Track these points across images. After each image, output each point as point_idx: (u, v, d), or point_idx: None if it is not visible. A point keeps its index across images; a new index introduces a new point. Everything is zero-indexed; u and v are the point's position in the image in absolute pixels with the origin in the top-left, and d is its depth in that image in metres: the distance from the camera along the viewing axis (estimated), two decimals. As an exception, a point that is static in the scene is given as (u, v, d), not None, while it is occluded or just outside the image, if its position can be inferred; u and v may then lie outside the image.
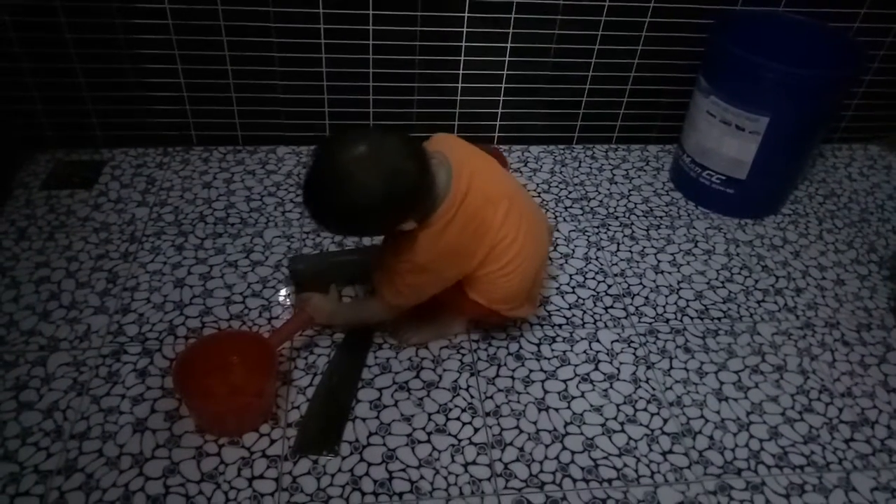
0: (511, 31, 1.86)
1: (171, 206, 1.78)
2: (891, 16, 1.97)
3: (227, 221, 1.74)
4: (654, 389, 1.42)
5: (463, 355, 1.45)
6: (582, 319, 1.56)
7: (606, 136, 2.14)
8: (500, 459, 1.27)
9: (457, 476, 1.24)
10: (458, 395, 1.38)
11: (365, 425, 1.30)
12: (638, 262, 1.73)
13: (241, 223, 1.74)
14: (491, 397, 1.38)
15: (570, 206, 1.90)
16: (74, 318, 1.46)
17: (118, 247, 1.64)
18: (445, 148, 1.25)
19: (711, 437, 1.34)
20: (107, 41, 1.76)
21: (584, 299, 1.61)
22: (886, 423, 1.40)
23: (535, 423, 1.34)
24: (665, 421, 1.36)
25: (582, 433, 1.33)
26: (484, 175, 1.27)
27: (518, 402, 1.37)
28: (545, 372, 1.44)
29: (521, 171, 2.01)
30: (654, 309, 1.61)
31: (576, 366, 1.46)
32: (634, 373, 1.45)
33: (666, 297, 1.64)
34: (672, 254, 1.77)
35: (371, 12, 1.78)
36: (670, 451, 1.31)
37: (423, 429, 1.31)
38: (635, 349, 1.50)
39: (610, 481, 1.25)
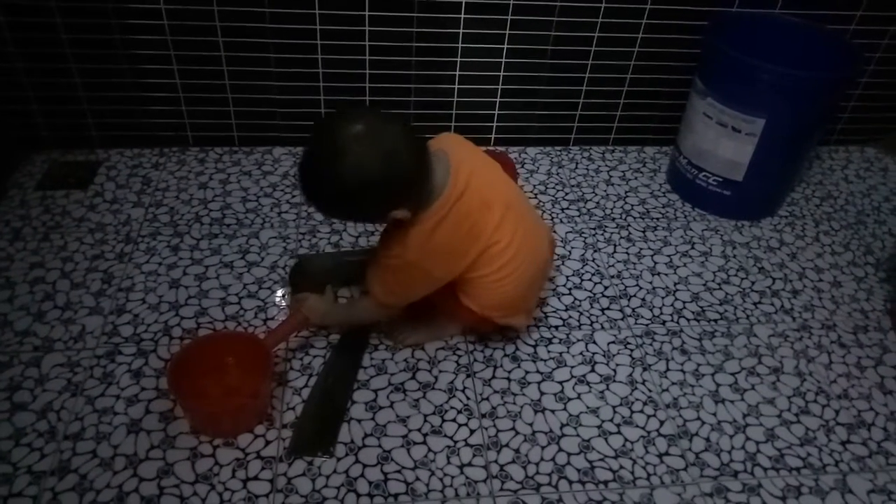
0: (507, 32, 1.86)
1: (167, 206, 1.77)
2: (887, 18, 1.98)
3: (222, 222, 1.74)
4: (650, 391, 1.42)
5: (459, 357, 1.45)
6: (578, 321, 1.56)
7: (603, 137, 2.14)
8: (495, 461, 1.26)
9: (452, 478, 1.23)
10: (454, 396, 1.37)
11: (360, 426, 1.30)
12: (634, 263, 1.73)
13: (237, 224, 1.74)
14: (487, 399, 1.37)
15: (567, 208, 1.90)
16: (69, 319, 1.45)
17: (113, 247, 1.64)
18: (447, 146, 1.25)
19: (708, 439, 1.34)
20: (102, 41, 1.76)
21: (580, 301, 1.61)
22: (883, 426, 1.39)
23: (531, 424, 1.33)
24: (661, 423, 1.36)
25: (578, 435, 1.32)
26: (482, 177, 1.26)
27: (514, 403, 1.37)
28: (541, 373, 1.43)
29: (517, 173, 2.01)
30: (651, 311, 1.60)
31: (572, 367, 1.45)
32: (631, 374, 1.45)
33: (662, 298, 1.64)
34: (669, 255, 1.77)
35: (367, 13, 1.78)
36: (667, 453, 1.31)
37: (419, 430, 1.30)
38: (632, 351, 1.50)
39: (606, 483, 1.25)
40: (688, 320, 1.59)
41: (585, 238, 1.80)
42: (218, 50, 1.80)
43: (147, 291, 1.53)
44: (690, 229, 1.86)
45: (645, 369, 1.46)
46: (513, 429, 1.32)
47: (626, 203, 1.94)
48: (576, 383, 1.42)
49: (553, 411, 1.36)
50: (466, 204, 1.20)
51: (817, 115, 1.78)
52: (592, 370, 1.45)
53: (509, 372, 1.43)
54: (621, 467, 1.27)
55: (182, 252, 1.64)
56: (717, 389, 1.44)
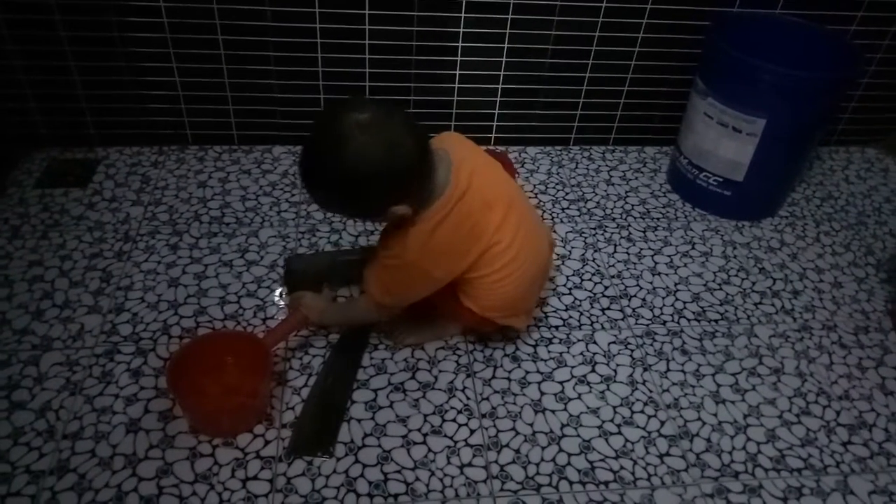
0: (508, 31, 1.86)
1: (166, 205, 1.77)
2: (888, 18, 1.97)
3: (222, 221, 1.73)
4: (651, 391, 1.42)
5: (459, 356, 1.45)
6: (579, 321, 1.56)
7: (603, 137, 2.13)
8: (496, 461, 1.26)
9: (452, 478, 1.23)
10: (454, 396, 1.37)
11: (360, 426, 1.30)
12: (635, 263, 1.73)
13: (237, 223, 1.73)
14: (487, 399, 1.37)
15: (567, 208, 1.89)
16: (68, 318, 1.45)
17: (112, 246, 1.63)
18: (449, 145, 1.24)
19: (709, 440, 1.33)
20: (102, 39, 1.75)
21: (580, 301, 1.61)
22: (884, 426, 1.39)
23: (531, 424, 1.33)
24: (662, 423, 1.36)
25: (579, 435, 1.32)
26: (484, 176, 1.25)
27: (514, 403, 1.37)
28: (542, 374, 1.43)
29: (517, 172, 2.01)
30: (652, 311, 1.60)
31: (572, 367, 1.45)
32: (631, 375, 1.45)
33: (663, 298, 1.64)
34: (669, 256, 1.76)
35: (367, 12, 1.77)
36: (667, 454, 1.30)
37: (419, 430, 1.30)
38: (632, 351, 1.50)
39: (607, 484, 1.24)
40: (688, 321, 1.59)
41: (586, 238, 1.79)
42: (217, 48, 1.80)
43: (146, 290, 1.53)
44: (691, 229, 1.86)
45: (645, 369, 1.46)
46: (513, 429, 1.32)
47: (626, 203, 1.93)
48: (576, 383, 1.42)
49: (553, 411, 1.36)
50: (468, 204, 1.19)
51: (818, 115, 1.78)
52: (593, 370, 1.45)
53: (509, 372, 1.43)
54: (622, 468, 1.27)
55: (181, 251, 1.63)
56: (718, 390, 1.43)
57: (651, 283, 1.68)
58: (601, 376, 1.44)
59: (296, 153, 1.99)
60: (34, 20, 1.70)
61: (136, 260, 1.60)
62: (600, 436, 1.32)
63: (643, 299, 1.63)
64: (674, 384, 1.44)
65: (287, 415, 1.30)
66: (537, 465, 1.26)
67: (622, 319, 1.57)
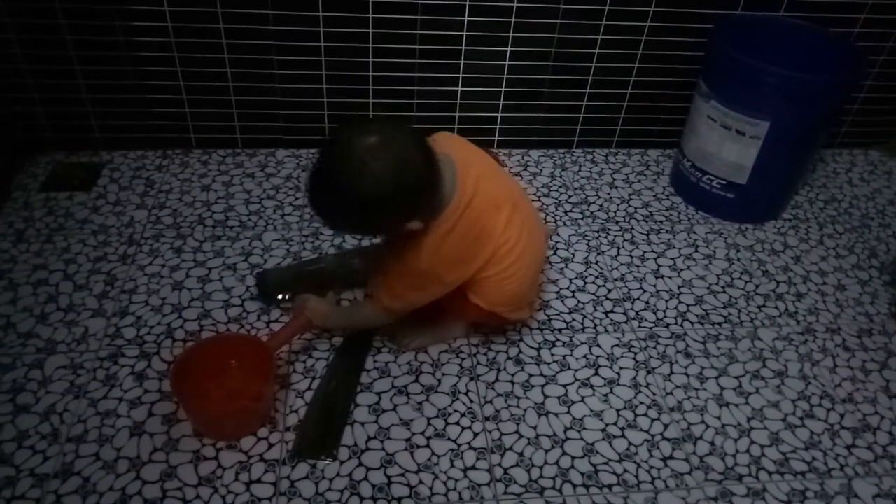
0: (511, 34, 1.86)
1: (170, 208, 1.77)
2: (891, 21, 1.97)
3: (225, 224, 1.74)
4: (654, 394, 1.41)
5: (462, 360, 1.45)
6: (582, 324, 1.55)
7: (606, 140, 2.14)
8: (499, 464, 1.26)
9: (456, 481, 1.23)
10: (458, 399, 1.37)
11: (364, 430, 1.30)
12: (638, 266, 1.73)
13: (240, 226, 1.74)
14: (490, 402, 1.37)
15: (571, 211, 1.89)
16: (72, 321, 1.45)
17: (116, 249, 1.64)
18: (449, 148, 1.24)
19: (712, 443, 1.33)
20: (106, 43, 1.76)
21: (584, 304, 1.61)
22: (888, 430, 1.39)
23: (534, 427, 1.33)
24: (665, 426, 1.36)
25: (582, 438, 1.32)
26: (489, 178, 1.26)
27: (518, 406, 1.37)
28: (545, 377, 1.43)
29: (521, 175, 2.01)
30: (655, 314, 1.60)
31: (576, 370, 1.45)
32: (635, 378, 1.45)
33: (666, 301, 1.64)
34: (672, 258, 1.76)
35: (371, 15, 1.78)
36: (671, 457, 1.30)
37: (423, 433, 1.30)
38: (635, 354, 1.50)
39: (610, 487, 1.24)
40: (692, 323, 1.58)
41: (589, 241, 1.79)
42: (221, 52, 1.80)
43: (150, 293, 1.53)
44: (694, 232, 1.86)
45: (649, 372, 1.46)
46: (516, 432, 1.32)
47: (629, 206, 1.93)
48: (579, 386, 1.42)
49: (557, 415, 1.36)
50: (476, 208, 1.20)
51: (821, 117, 1.78)
52: (596, 373, 1.45)
53: (513, 375, 1.43)
54: (625, 471, 1.27)
55: (185, 254, 1.64)
56: (722, 393, 1.43)
57: (654, 286, 1.68)
58: (604, 379, 1.44)
59: (299, 156, 1.99)
60: (40, 25, 1.71)
61: (141, 263, 1.60)
62: (604, 439, 1.32)
63: (646, 302, 1.63)
64: (677, 387, 1.44)
65: (291, 418, 1.30)
66: (541, 468, 1.26)
67: (625, 322, 1.57)
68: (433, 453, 1.27)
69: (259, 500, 1.17)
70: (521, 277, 1.30)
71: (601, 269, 1.71)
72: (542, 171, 2.04)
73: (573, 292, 1.63)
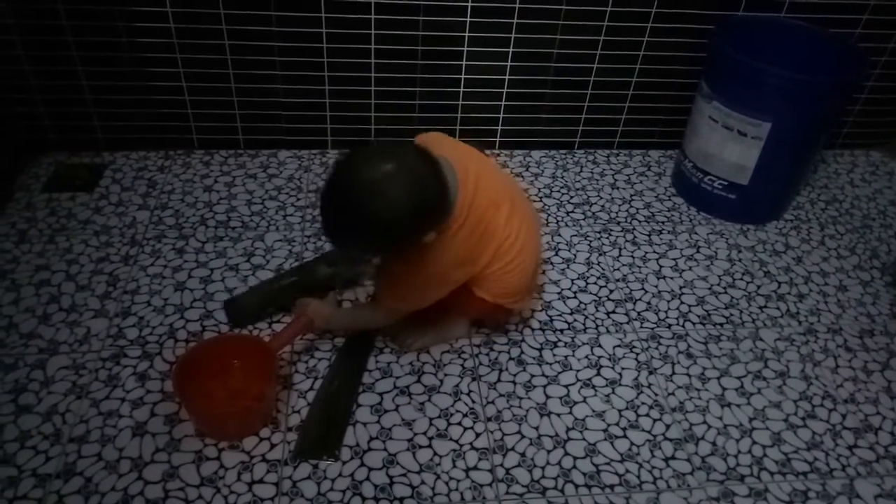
0: (513, 35, 1.86)
1: (172, 209, 1.78)
2: (892, 22, 1.97)
3: (228, 225, 1.74)
4: (656, 395, 1.41)
5: (464, 360, 1.45)
6: (584, 324, 1.56)
7: (608, 140, 2.14)
8: (501, 465, 1.26)
9: (458, 481, 1.23)
10: (460, 399, 1.37)
11: (366, 430, 1.30)
12: (640, 267, 1.73)
13: (243, 227, 1.74)
14: (492, 402, 1.37)
15: (572, 211, 1.89)
16: (74, 321, 1.45)
17: (119, 250, 1.64)
18: (442, 150, 1.24)
19: (714, 443, 1.33)
20: (109, 44, 1.76)
21: (585, 304, 1.61)
22: (890, 430, 1.39)
23: (536, 428, 1.33)
24: (667, 427, 1.36)
25: (584, 438, 1.32)
26: (488, 177, 1.27)
27: (520, 407, 1.37)
28: (547, 377, 1.43)
29: (522, 176, 2.01)
30: (657, 314, 1.60)
31: (577, 371, 1.45)
32: (636, 378, 1.45)
33: (668, 302, 1.64)
34: (674, 259, 1.76)
35: (373, 16, 1.78)
36: (673, 457, 1.30)
37: (425, 433, 1.30)
38: (637, 354, 1.50)
39: (612, 487, 1.24)
40: (693, 324, 1.58)
41: (590, 241, 1.79)
42: (224, 53, 1.81)
43: (152, 294, 1.53)
44: (695, 233, 1.86)
45: (651, 373, 1.46)
46: (518, 432, 1.32)
47: (631, 207, 1.93)
48: (581, 387, 1.42)
49: (559, 415, 1.36)
50: (479, 208, 1.21)
51: (823, 118, 1.78)
52: (598, 374, 1.45)
53: (514, 375, 1.43)
54: (627, 471, 1.27)
55: (187, 255, 1.64)
56: (723, 393, 1.43)
57: (656, 286, 1.68)
58: (606, 380, 1.44)
59: (302, 157, 2.00)
60: (43, 26, 1.71)
61: (143, 264, 1.61)
62: (606, 439, 1.32)
63: (648, 303, 1.63)
64: (679, 387, 1.44)
65: (293, 418, 1.30)
66: (543, 468, 1.26)
67: (627, 323, 1.57)
68: (435, 453, 1.27)
69: (261, 501, 1.17)
70: (522, 269, 1.32)
71: (603, 269, 1.71)
72: (543, 171, 2.04)
73: (575, 293, 1.64)
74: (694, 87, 1.90)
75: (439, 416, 1.33)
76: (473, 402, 1.37)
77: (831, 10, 1.92)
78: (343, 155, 1.14)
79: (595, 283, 1.67)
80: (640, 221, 1.88)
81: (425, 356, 1.45)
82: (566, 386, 1.42)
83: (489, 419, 1.34)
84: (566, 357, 1.48)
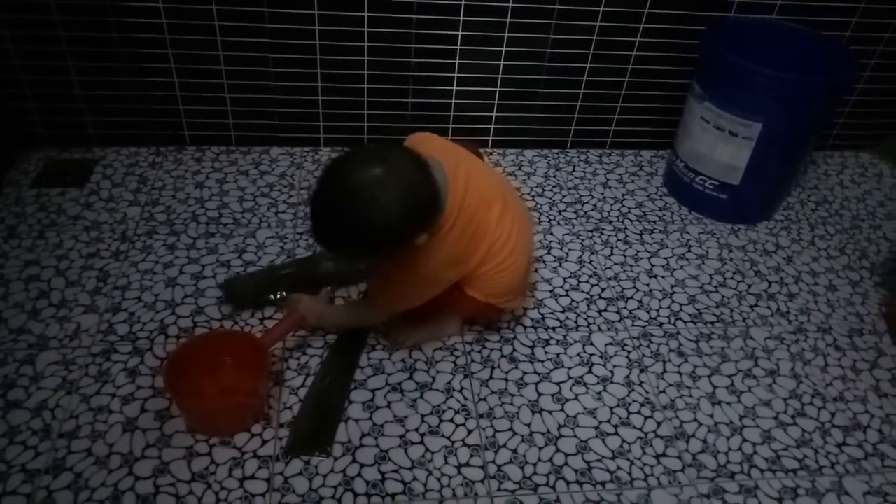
0: (506, 34, 1.87)
1: (163, 205, 1.77)
2: (882, 24, 1.99)
3: (219, 221, 1.73)
4: (647, 393, 1.42)
5: (456, 357, 1.45)
6: (576, 322, 1.56)
7: (600, 140, 2.14)
8: (493, 461, 1.26)
9: (450, 477, 1.23)
10: (452, 396, 1.37)
11: (357, 426, 1.30)
12: (632, 266, 1.74)
13: (234, 223, 1.73)
14: (484, 399, 1.37)
15: (564, 210, 1.90)
16: (64, 317, 1.44)
17: (109, 245, 1.63)
18: (434, 150, 1.24)
19: (705, 441, 1.34)
20: (100, 39, 1.75)
21: (577, 302, 1.61)
22: (878, 428, 1.40)
23: (528, 425, 1.33)
24: (658, 424, 1.36)
25: (575, 436, 1.32)
26: (478, 177, 1.27)
27: (511, 404, 1.37)
28: (539, 374, 1.43)
29: (515, 175, 2.01)
30: (648, 313, 1.61)
31: (569, 368, 1.45)
32: (628, 376, 1.45)
33: (659, 301, 1.64)
34: (665, 258, 1.77)
35: (366, 14, 1.78)
36: (664, 455, 1.31)
37: (417, 430, 1.30)
38: (629, 352, 1.50)
39: (603, 484, 1.25)
40: (685, 323, 1.59)
41: (583, 240, 1.80)
42: (216, 49, 1.80)
43: (143, 290, 1.52)
44: (687, 232, 1.87)
45: (642, 371, 1.46)
46: (510, 429, 1.32)
47: (623, 206, 1.94)
48: (573, 384, 1.42)
49: (550, 412, 1.36)
50: (469, 208, 1.20)
51: (813, 119, 1.79)
52: (590, 371, 1.45)
53: (507, 373, 1.43)
54: (619, 468, 1.27)
55: (178, 251, 1.63)
56: (714, 391, 1.44)
57: (647, 285, 1.68)
58: (598, 377, 1.44)
59: (294, 154, 1.99)
60: (33, 20, 1.70)
61: (134, 260, 1.60)
62: (597, 436, 1.33)
63: (640, 301, 1.63)
64: (670, 385, 1.44)
65: (285, 414, 1.30)
66: (534, 465, 1.26)
67: (619, 321, 1.58)
68: (427, 450, 1.27)
69: (252, 497, 1.17)
70: (514, 269, 1.32)
71: (595, 268, 1.72)
72: (536, 170, 2.04)
73: (567, 291, 1.64)
74: (686, 87, 1.90)
75: (431, 413, 1.33)
76: (465, 399, 1.37)
77: (822, 12, 1.93)
78: (332, 160, 1.14)
79: (587, 282, 1.67)
80: (631, 221, 1.89)
81: (417, 353, 1.45)
82: (558, 383, 1.42)
83: (481, 416, 1.34)
84: (558, 355, 1.48)
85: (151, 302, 1.50)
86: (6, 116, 1.85)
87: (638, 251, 1.78)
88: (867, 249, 1.88)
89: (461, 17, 1.82)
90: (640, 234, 1.84)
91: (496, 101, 2.00)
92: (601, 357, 1.49)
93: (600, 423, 1.35)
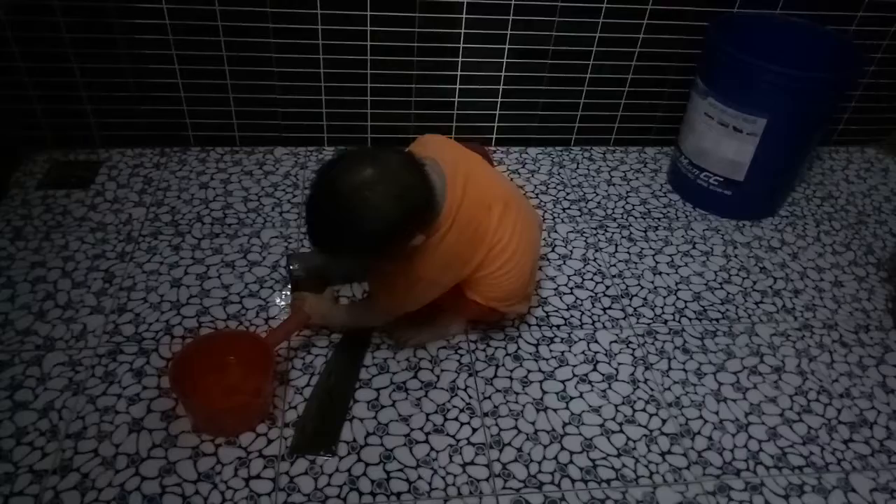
0: (509, 32, 1.86)
1: (168, 206, 1.77)
2: (887, 18, 1.98)
3: (224, 222, 1.74)
4: (652, 390, 1.42)
5: (461, 356, 1.45)
6: (580, 320, 1.56)
7: (604, 137, 2.14)
8: (498, 460, 1.26)
9: (455, 476, 1.23)
10: (457, 395, 1.37)
11: (363, 425, 1.30)
12: (636, 263, 1.73)
13: (239, 223, 1.74)
14: (489, 398, 1.37)
15: (569, 208, 1.90)
16: (70, 318, 1.45)
17: (115, 247, 1.64)
18: (435, 151, 1.24)
19: (710, 438, 1.34)
20: (104, 41, 1.76)
21: (582, 300, 1.61)
22: (885, 424, 1.39)
23: (533, 423, 1.33)
24: (664, 421, 1.36)
25: (580, 434, 1.32)
26: (478, 178, 1.26)
27: (516, 402, 1.37)
28: (543, 372, 1.43)
29: (518, 173, 2.01)
30: (653, 310, 1.60)
31: (574, 366, 1.45)
32: (633, 373, 1.45)
33: (664, 298, 1.64)
34: (670, 255, 1.77)
35: (369, 13, 1.78)
36: (669, 452, 1.30)
37: (421, 429, 1.30)
38: (633, 350, 1.50)
39: (609, 482, 1.25)
40: (689, 319, 1.59)
41: (587, 238, 1.80)
42: (220, 50, 1.80)
43: (148, 290, 1.53)
44: (691, 229, 1.86)
45: (647, 368, 1.46)
46: (515, 427, 1.32)
47: (627, 203, 1.94)
48: (578, 382, 1.42)
49: (555, 410, 1.36)
50: (467, 210, 1.20)
51: (818, 115, 1.78)
52: (594, 369, 1.45)
53: (511, 371, 1.43)
54: (624, 466, 1.27)
55: (183, 251, 1.64)
56: (720, 388, 1.44)
57: (652, 282, 1.68)
58: (603, 375, 1.44)
59: (298, 154, 1.99)
60: (38, 22, 1.71)
61: (139, 261, 1.60)
62: (602, 434, 1.33)
63: (644, 298, 1.63)
64: (675, 382, 1.44)
65: (290, 414, 1.30)
66: (539, 463, 1.26)
67: (623, 318, 1.57)
68: (432, 449, 1.27)
69: (258, 496, 1.17)
70: (516, 274, 1.31)
71: (599, 265, 1.71)
72: (539, 168, 2.04)
73: (571, 289, 1.64)
74: (690, 83, 1.90)
75: (436, 412, 1.33)
76: (470, 397, 1.37)
77: (827, 7, 1.92)
78: (326, 163, 1.14)
79: (591, 279, 1.67)
80: (636, 218, 1.89)
81: (422, 352, 1.45)
82: (563, 381, 1.42)
83: (486, 414, 1.34)
84: (563, 353, 1.48)
85: (157, 302, 1.50)
86: (11, 119, 1.86)
87: (642, 248, 1.78)
88: (873, 245, 1.87)
89: (464, 15, 1.81)
90: (645, 231, 1.84)
91: (499, 99, 2.00)
92: (606, 354, 1.48)
93: (605, 420, 1.35)
